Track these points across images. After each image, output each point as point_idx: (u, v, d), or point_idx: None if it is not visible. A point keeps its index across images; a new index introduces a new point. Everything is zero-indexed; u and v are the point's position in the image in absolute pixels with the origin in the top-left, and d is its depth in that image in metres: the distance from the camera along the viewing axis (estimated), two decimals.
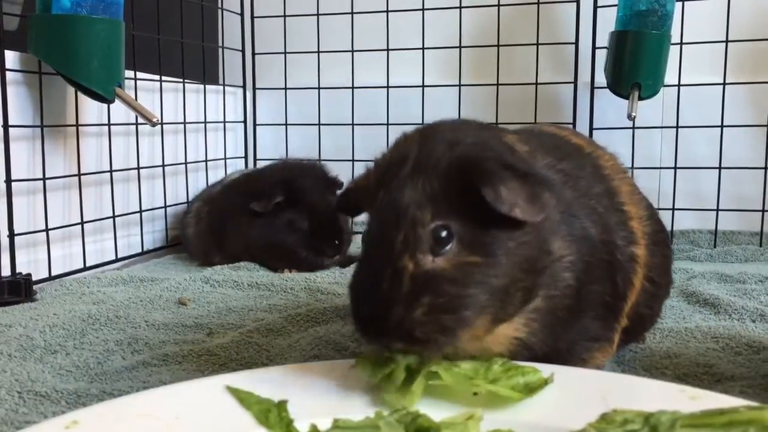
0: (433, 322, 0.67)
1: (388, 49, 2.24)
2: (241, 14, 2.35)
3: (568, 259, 0.76)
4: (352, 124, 2.30)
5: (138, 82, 1.86)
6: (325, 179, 1.80)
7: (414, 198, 0.70)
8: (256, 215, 1.72)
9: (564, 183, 0.80)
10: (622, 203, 0.86)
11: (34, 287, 1.46)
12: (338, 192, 1.82)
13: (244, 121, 2.40)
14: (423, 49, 2.23)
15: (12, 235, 1.47)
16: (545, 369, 0.72)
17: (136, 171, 1.87)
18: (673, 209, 2.03)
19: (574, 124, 2.10)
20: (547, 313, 0.77)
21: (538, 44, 2.14)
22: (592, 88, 2.08)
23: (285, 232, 1.72)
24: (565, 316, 0.78)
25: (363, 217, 2.50)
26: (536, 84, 2.16)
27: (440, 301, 0.67)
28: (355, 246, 1.98)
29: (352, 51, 2.28)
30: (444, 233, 0.69)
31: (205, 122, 2.19)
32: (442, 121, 0.81)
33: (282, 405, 0.68)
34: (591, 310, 0.81)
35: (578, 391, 0.70)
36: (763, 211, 1.99)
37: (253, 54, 2.37)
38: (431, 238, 0.69)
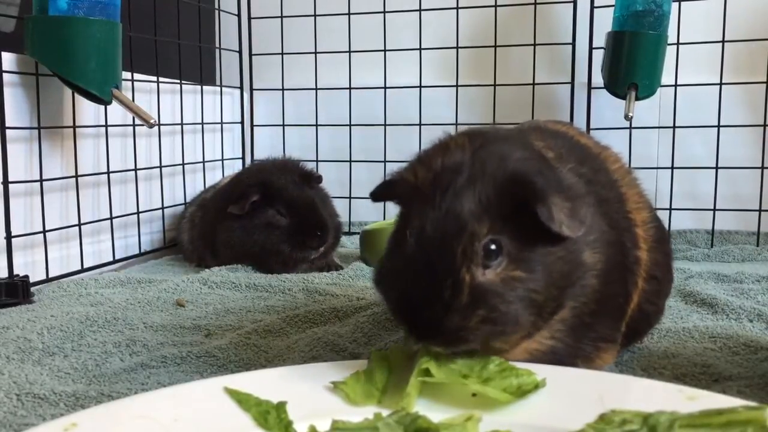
0: (482, 332, 0.71)
1: (385, 50, 2.24)
2: (238, 15, 2.35)
3: (596, 267, 0.78)
4: (350, 125, 2.30)
5: (135, 83, 1.86)
6: (301, 173, 1.79)
7: (473, 211, 0.72)
8: (235, 219, 1.71)
9: (587, 188, 0.82)
10: (628, 212, 0.88)
11: (32, 289, 1.46)
12: (320, 184, 1.84)
13: (242, 122, 2.40)
14: (420, 49, 2.23)
15: (9, 237, 1.47)
16: (541, 371, 0.73)
17: (133, 172, 1.87)
18: (670, 209, 2.03)
19: (571, 124, 2.10)
20: (573, 321, 0.79)
21: (535, 45, 2.14)
22: (589, 88, 2.08)
23: (264, 231, 1.71)
24: (589, 321, 0.81)
25: (362, 218, 2.48)
26: (533, 84, 2.16)
27: (492, 315, 0.71)
28: (354, 247, 1.97)
29: (350, 52, 2.28)
30: (494, 247, 0.72)
31: (203, 123, 2.19)
32: (482, 127, 0.83)
33: (281, 406, 0.68)
34: (608, 311, 0.83)
35: (576, 391, 0.70)
36: (760, 210, 1.99)
37: (251, 55, 2.37)
38: (483, 252, 0.72)
